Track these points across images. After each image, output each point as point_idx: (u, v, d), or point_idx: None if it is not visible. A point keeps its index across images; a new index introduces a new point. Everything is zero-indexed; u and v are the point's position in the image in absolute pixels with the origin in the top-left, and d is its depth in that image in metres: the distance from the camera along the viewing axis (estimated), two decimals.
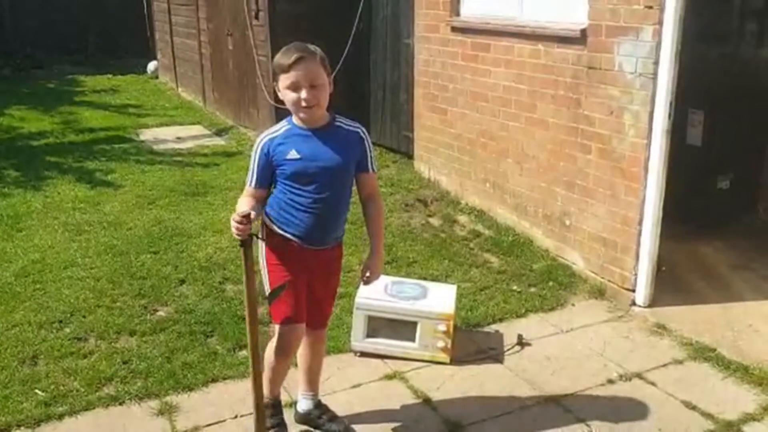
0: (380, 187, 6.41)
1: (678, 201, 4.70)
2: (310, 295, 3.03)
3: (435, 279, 4.68)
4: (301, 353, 3.23)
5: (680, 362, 3.89)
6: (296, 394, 3.36)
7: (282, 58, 2.73)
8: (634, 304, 4.46)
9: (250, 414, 3.08)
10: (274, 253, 2.93)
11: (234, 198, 6.37)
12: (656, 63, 4.08)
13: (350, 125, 2.93)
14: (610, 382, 3.71)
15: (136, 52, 13.30)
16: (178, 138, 8.68)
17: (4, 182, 6.71)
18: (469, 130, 5.88)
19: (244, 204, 2.79)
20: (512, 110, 5.33)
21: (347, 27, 7.37)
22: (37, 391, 3.51)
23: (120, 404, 3.44)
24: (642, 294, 4.43)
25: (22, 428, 3.25)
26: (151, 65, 13.17)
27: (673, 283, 4.64)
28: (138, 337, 4.00)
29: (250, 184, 2.86)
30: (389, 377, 3.74)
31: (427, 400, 3.54)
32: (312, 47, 2.78)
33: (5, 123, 9.35)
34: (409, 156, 7.04)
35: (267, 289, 2.95)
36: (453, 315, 3.83)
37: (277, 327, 2.99)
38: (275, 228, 2.91)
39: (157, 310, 4.32)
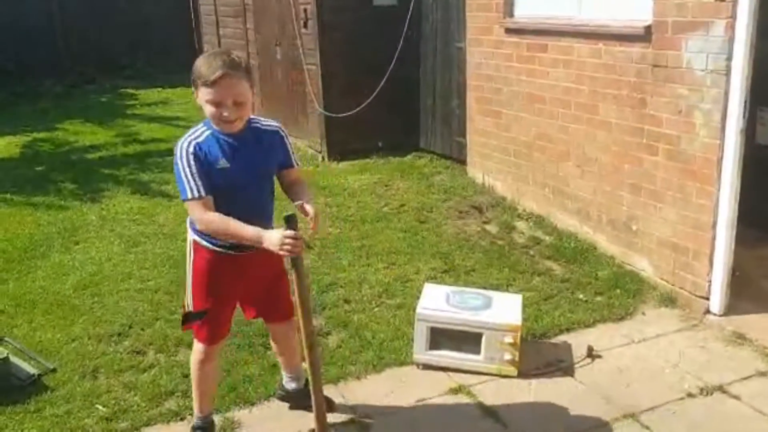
0: (433, 194, 6.38)
1: (747, 203, 4.46)
2: (260, 295, 3.05)
3: (496, 288, 4.53)
4: (276, 344, 3.30)
5: (764, 374, 3.67)
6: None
7: (205, 68, 2.61)
8: (708, 312, 4.24)
9: (313, 430, 2.99)
10: (202, 271, 2.85)
11: (286, 208, 6.36)
12: (729, 59, 3.87)
13: (268, 125, 2.88)
14: (690, 395, 3.51)
15: (185, 65, 13.39)
16: None
17: (61, 195, 6.79)
18: (526, 133, 5.71)
19: (217, 219, 2.65)
20: (572, 112, 5.15)
21: (396, 33, 7.28)
22: (98, 406, 3.48)
23: (181, 420, 3.38)
24: (717, 301, 4.21)
25: None
26: None
27: (748, 290, 4.40)
28: None
29: (200, 194, 2.64)
30: (455, 391, 3.60)
31: (496, 416, 3.40)
32: (237, 58, 2.66)
33: (60, 137, 9.51)
34: (462, 162, 6.90)
35: (189, 305, 2.92)
36: (520, 326, 3.67)
37: (195, 344, 3.04)
38: (205, 243, 2.82)
39: None
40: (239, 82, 2.63)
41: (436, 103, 7.34)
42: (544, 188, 5.61)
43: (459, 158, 7.00)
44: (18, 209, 6.39)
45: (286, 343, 3.28)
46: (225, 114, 2.64)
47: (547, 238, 5.40)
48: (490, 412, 3.43)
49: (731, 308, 4.23)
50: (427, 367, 3.77)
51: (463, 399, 3.55)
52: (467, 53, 6.37)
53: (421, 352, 3.77)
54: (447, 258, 5.10)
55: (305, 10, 7.65)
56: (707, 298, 4.24)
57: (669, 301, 4.44)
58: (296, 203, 2.82)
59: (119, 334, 4.13)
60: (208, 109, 2.66)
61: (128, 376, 3.73)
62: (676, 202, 4.36)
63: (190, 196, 2.65)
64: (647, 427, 3.27)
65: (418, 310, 3.77)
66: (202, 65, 2.64)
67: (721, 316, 4.20)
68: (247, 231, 2.66)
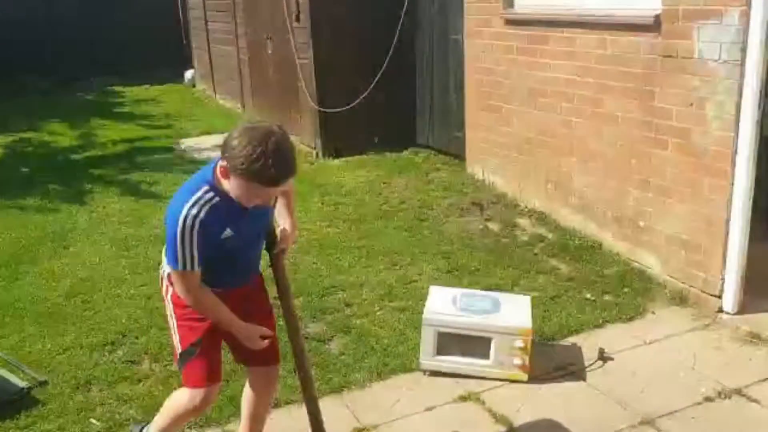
0: (432, 191, 6.23)
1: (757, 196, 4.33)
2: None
3: (500, 288, 4.40)
4: (249, 398, 2.88)
5: None
6: None
7: (264, 168, 2.16)
8: (721, 311, 4.12)
9: None
10: (183, 302, 2.52)
11: None
12: (743, 48, 3.74)
13: None
14: (708, 399, 3.38)
15: (174, 62, 13.20)
16: (219, 146, 8.49)
17: (49, 197, 6.59)
18: (528, 128, 5.57)
19: (206, 299, 2.43)
20: (576, 105, 5.01)
21: (391, 26, 7.11)
22: (92, 420, 3.32)
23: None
24: (730, 300, 4.08)
25: None
26: (188, 74, 13.08)
27: (761, 287, 4.25)
28: None
29: (192, 267, 2.32)
30: (463, 398, 3.46)
31: (508, 425, 3.26)
32: (292, 146, 2.30)
33: (46, 137, 9.30)
34: (461, 157, 6.75)
35: (178, 348, 2.58)
36: (531, 330, 3.53)
37: (189, 390, 2.61)
38: None
39: None
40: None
41: (433, 97, 7.18)
42: (547, 184, 5.47)
43: (458, 154, 6.85)
44: (5, 212, 6.20)
45: (263, 394, 2.86)
46: (262, 203, 2.37)
47: (551, 235, 5.26)
48: (501, 419, 3.29)
49: (744, 306, 4.11)
50: (435, 373, 3.63)
51: (472, 406, 3.41)
52: (466, 45, 6.22)
53: (427, 358, 3.63)
54: (450, 257, 4.96)
55: (297, 3, 7.47)
56: (720, 297, 4.12)
57: (679, 299, 4.31)
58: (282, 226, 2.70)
59: (112, 343, 3.97)
60: (246, 198, 2.29)
61: (123, 387, 3.57)
62: (687, 197, 4.23)
63: (181, 268, 2.32)
64: None
65: (425, 314, 3.63)
66: (258, 160, 2.16)
67: (734, 314, 4.08)
68: (231, 321, 2.49)
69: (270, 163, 2.17)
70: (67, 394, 3.52)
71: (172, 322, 2.60)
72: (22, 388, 3.51)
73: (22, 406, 3.41)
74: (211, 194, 2.32)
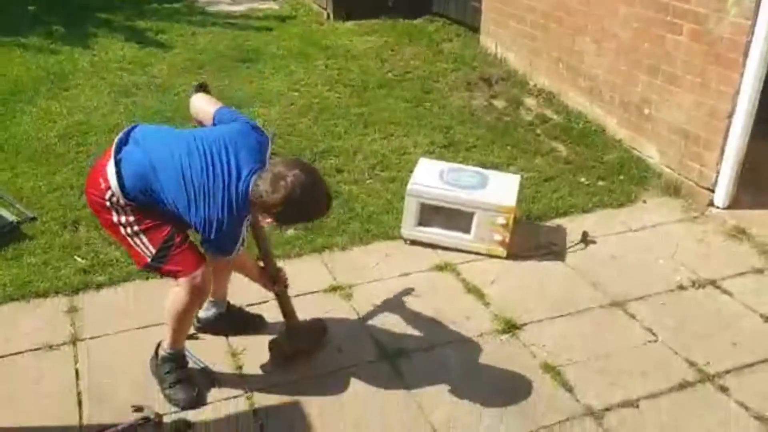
0: (441, 63, 6.06)
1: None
2: None
3: (496, 166, 4.35)
4: None
5: (760, 271, 3.58)
6: None
7: (315, 211, 2.46)
8: (711, 204, 4.10)
9: (302, 294, 2.98)
10: (137, 209, 2.45)
11: (284, 66, 6.04)
12: None
13: None
14: (681, 288, 3.43)
15: None
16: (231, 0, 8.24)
17: (52, 38, 6.47)
18: (544, 1, 5.32)
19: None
20: None
21: None
22: (76, 258, 3.42)
23: (161, 277, 3.30)
24: (722, 194, 4.05)
25: (60, 295, 3.18)
26: None
27: (755, 184, 4.20)
28: None
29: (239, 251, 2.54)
30: (440, 268, 3.52)
31: (479, 295, 3.33)
32: (320, 182, 2.42)
33: None
34: (475, 29, 6.50)
35: (148, 251, 2.48)
36: (514, 208, 3.53)
37: (186, 280, 2.49)
38: (123, 198, 2.45)
39: None
40: None
41: None
42: (558, 63, 5.29)
43: (473, 25, 6.59)
44: (7, 50, 6.12)
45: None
46: None
47: (556, 116, 5.16)
48: (473, 289, 3.36)
49: (736, 202, 4.08)
50: (415, 242, 3.68)
51: (447, 275, 3.47)
52: None
53: (409, 228, 3.66)
54: (448, 132, 4.89)
55: None
56: (712, 190, 4.08)
57: (673, 190, 4.28)
58: None
59: None
60: (267, 222, 2.53)
61: None
62: (695, 87, 4.08)
63: (234, 254, 2.53)
64: (633, 317, 3.20)
65: (409, 185, 3.62)
66: (308, 205, 2.37)
67: (724, 209, 4.07)
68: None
69: (306, 214, 2.48)
70: (54, 231, 3.60)
71: (133, 231, 2.48)
72: (12, 222, 3.59)
73: (11, 239, 3.50)
74: (247, 215, 2.47)
